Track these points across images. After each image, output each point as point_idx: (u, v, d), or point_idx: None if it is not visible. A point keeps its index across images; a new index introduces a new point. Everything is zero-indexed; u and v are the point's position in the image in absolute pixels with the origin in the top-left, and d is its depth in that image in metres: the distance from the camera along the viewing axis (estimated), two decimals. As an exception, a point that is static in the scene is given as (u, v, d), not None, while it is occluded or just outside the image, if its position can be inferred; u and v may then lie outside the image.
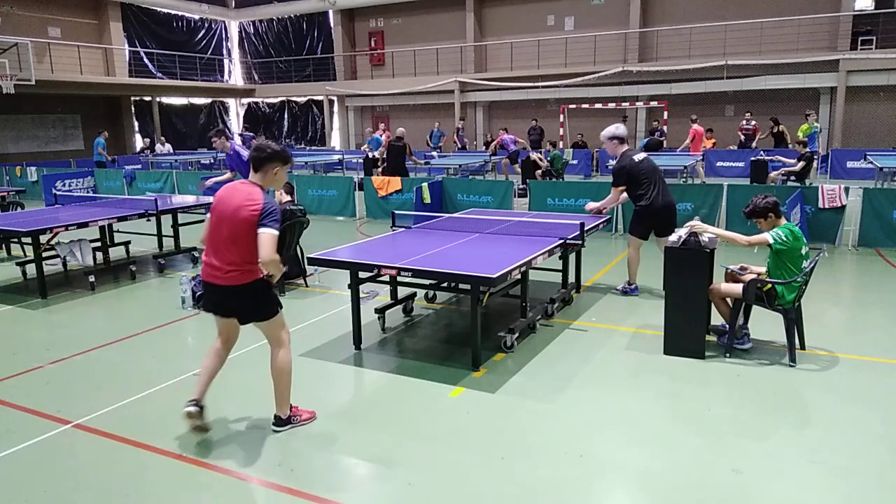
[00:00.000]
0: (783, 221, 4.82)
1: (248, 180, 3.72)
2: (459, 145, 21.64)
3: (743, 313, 5.15)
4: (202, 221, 8.23)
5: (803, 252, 4.75)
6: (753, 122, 18.24)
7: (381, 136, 18.39)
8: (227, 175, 8.67)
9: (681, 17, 21.20)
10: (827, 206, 8.79)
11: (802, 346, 5.00)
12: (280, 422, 3.89)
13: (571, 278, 6.60)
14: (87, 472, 3.54)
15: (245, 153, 8.24)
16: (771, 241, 4.65)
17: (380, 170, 13.24)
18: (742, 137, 18.54)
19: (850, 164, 16.71)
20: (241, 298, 3.70)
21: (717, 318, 5.30)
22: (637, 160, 6.44)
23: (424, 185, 11.10)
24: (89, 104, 24.60)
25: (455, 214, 7.39)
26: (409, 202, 11.27)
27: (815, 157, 12.88)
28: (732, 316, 4.95)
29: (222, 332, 3.88)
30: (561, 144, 19.08)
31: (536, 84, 22.26)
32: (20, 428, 4.02)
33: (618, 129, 6.52)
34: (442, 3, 25.04)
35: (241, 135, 24.82)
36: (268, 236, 3.47)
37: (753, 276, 4.90)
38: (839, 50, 18.88)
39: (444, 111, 24.50)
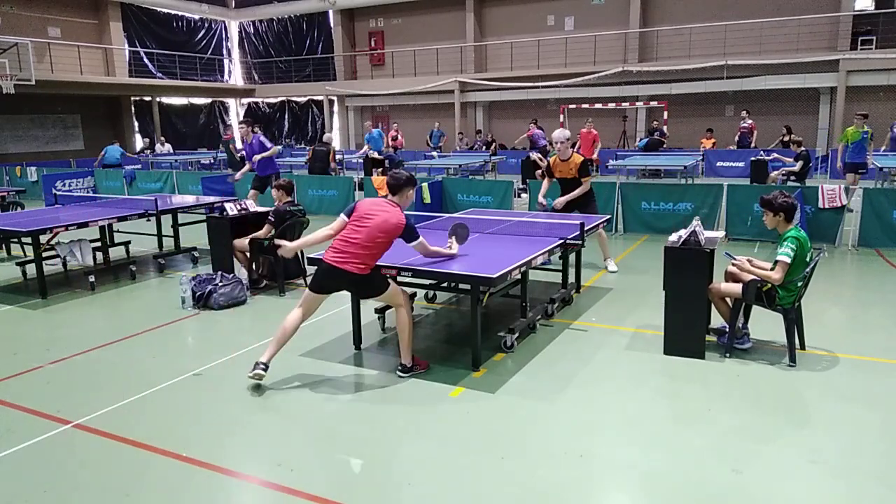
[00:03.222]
0: (790, 225, 4.81)
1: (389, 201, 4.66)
2: (470, 145, 21.68)
3: (743, 313, 5.15)
4: (202, 221, 8.29)
5: (808, 258, 4.75)
6: (750, 121, 18.28)
7: (382, 132, 18.23)
8: (248, 167, 10.35)
9: (681, 17, 21.20)
10: (827, 206, 8.79)
11: (802, 346, 5.00)
12: (405, 369, 4.68)
13: (571, 278, 6.60)
14: (87, 472, 3.54)
15: (269, 145, 10.27)
16: (788, 261, 4.64)
17: (380, 170, 13.22)
18: (736, 139, 18.59)
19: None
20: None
21: (717, 319, 5.30)
22: None
23: (424, 185, 11.10)
24: (89, 104, 24.60)
25: (455, 214, 7.38)
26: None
27: (863, 170, 11.77)
28: (732, 316, 4.95)
29: (313, 305, 4.70)
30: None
31: (536, 84, 22.26)
32: (20, 428, 4.02)
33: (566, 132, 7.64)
34: (442, 3, 25.04)
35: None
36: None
37: (753, 276, 4.89)
38: (839, 50, 18.89)
39: (444, 111, 24.50)
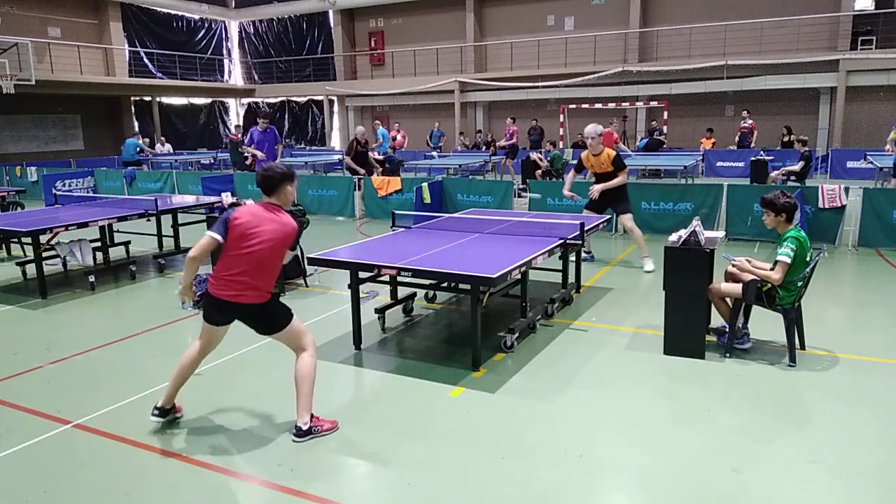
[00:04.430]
0: (789, 225, 4.81)
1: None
2: (472, 145, 21.72)
3: (743, 313, 5.15)
4: (202, 221, 8.28)
5: (807, 258, 4.75)
6: (750, 121, 18.31)
7: (388, 132, 18.20)
8: (260, 154, 11.23)
9: (681, 17, 21.20)
10: (827, 206, 8.79)
11: (802, 346, 5.00)
12: (300, 432, 3.78)
13: (571, 278, 6.60)
14: (87, 472, 3.54)
15: (278, 138, 11.41)
16: (788, 261, 4.64)
17: (380, 170, 13.22)
18: (737, 139, 18.63)
19: (850, 164, 16.73)
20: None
21: (717, 319, 5.30)
22: None
23: (424, 185, 11.10)
24: (89, 104, 24.60)
25: (455, 214, 7.39)
26: (409, 202, 11.27)
27: None
28: (732, 316, 4.95)
29: (214, 338, 3.98)
30: (561, 144, 19.11)
31: (536, 84, 22.26)
32: (20, 428, 4.02)
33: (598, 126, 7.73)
34: (442, 3, 25.04)
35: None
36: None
37: (753, 276, 4.89)
38: (839, 50, 18.89)
39: (444, 111, 24.50)
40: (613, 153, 7.62)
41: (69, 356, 5.25)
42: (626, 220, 7.69)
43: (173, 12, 27.08)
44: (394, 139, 20.84)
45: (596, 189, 7.58)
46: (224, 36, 29.78)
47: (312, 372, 3.83)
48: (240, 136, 17.49)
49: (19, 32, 20.54)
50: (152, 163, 20.33)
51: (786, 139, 17.68)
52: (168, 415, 3.97)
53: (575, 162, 8.41)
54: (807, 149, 12.52)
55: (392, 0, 25.46)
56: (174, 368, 3.95)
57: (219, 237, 3.68)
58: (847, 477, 3.35)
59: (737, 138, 18.70)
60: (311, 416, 3.81)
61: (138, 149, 17.59)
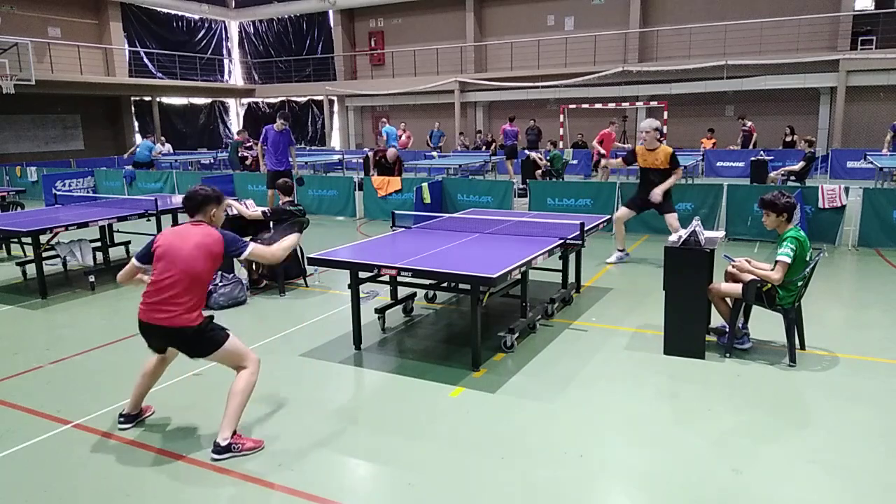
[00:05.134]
0: (789, 226, 4.81)
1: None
2: (473, 146, 21.72)
3: (743, 313, 5.15)
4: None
5: (807, 258, 4.75)
6: (749, 123, 18.37)
7: (395, 129, 18.12)
8: (262, 159, 11.18)
9: (681, 17, 21.21)
10: (827, 206, 8.79)
11: (802, 346, 5.00)
12: (219, 448, 3.57)
13: (571, 278, 6.60)
14: (87, 472, 3.54)
15: (293, 140, 11.05)
16: (788, 261, 4.64)
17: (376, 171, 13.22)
18: (739, 141, 18.69)
19: (850, 164, 16.73)
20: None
21: (717, 319, 5.30)
22: None
23: (424, 185, 11.10)
24: (89, 104, 24.60)
25: (455, 214, 7.39)
26: (409, 202, 11.27)
27: None
28: (732, 316, 4.95)
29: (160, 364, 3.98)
30: (561, 144, 19.10)
31: (536, 84, 22.27)
32: (20, 428, 4.02)
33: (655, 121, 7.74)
34: (442, 3, 25.04)
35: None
36: None
37: (753, 276, 4.89)
38: (839, 50, 18.90)
39: (444, 111, 24.50)
40: (670, 150, 7.56)
41: (69, 356, 5.25)
42: (673, 219, 7.57)
43: (173, 12, 27.08)
44: (398, 138, 20.82)
45: (658, 192, 7.47)
46: (224, 36, 29.79)
47: (247, 389, 3.66)
48: (242, 137, 17.46)
49: (19, 32, 20.55)
50: (152, 163, 20.30)
51: (788, 139, 17.69)
52: (135, 420, 4.00)
53: (625, 152, 8.34)
54: (811, 150, 12.51)
55: (392, 0, 25.46)
56: (136, 378, 3.96)
57: (138, 262, 3.77)
58: (847, 477, 3.35)
59: (740, 140, 18.78)
60: (234, 432, 3.62)
61: (154, 151, 17.62)
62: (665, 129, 18.99)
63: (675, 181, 7.59)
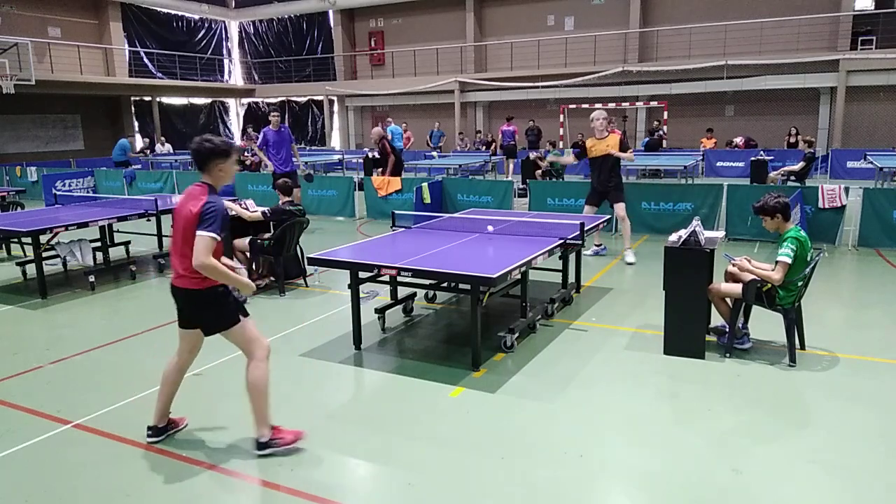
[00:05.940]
0: (789, 225, 4.81)
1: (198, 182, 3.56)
2: (474, 146, 21.73)
3: (743, 313, 5.15)
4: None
5: (808, 258, 4.75)
6: (742, 140, 18.77)
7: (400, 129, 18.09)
8: (266, 161, 10.74)
9: (681, 17, 21.21)
10: (827, 207, 8.79)
11: (802, 346, 5.00)
12: (261, 445, 3.59)
13: (571, 278, 6.60)
14: (88, 472, 3.54)
15: (292, 136, 10.87)
16: (789, 261, 4.64)
17: (380, 170, 13.21)
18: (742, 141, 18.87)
19: (850, 164, 16.74)
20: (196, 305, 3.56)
21: (717, 319, 5.30)
22: None
23: (424, 185, 11.10)
24: (89, 104, 24.60)
25: (455, 214, 7.39)
26: (409, 202, 11.27)
27: None
28: (732, 316, 4.95)
29: (185, 344, 3.75)
30: (561, 144, 19.11)
31: (536, 84, 22.26)
32: (20, 428, 4.02)
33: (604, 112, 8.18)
34: (442, 3, 25.04)
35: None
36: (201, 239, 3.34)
37: (753, 276, 4.89)
38: (839, 50, 18.90)
39: (444, 111, 24.50)
40: (619, 134, 8.09)
41: (69, 356, 5.25)
42: (621, 209, 8.10)
43: (173, 12, 27.08)
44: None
45: (630, 154, 8.20)
46: (224, 36, 29.78)
47: (259, 381, 3.55)
48: (246, 143, 17.38)
49: (19, 32, 20.54)
50: (152, 163, 20.34)
51: (792, 140, 17.71)
52: (164, 433, 3.80)
53: (577, 150, 8.57)
54: (811, 150, 12.52)
55: (392, 0, 25.46)
56: (160, 384, 3.77)
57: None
58: (847, 477, 3.35)
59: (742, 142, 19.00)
60: (272, 427, 3.60)
61: (127, 151, 17.62)
62: (665, 129, 19.05)
63: (628, 157, 8.14)
